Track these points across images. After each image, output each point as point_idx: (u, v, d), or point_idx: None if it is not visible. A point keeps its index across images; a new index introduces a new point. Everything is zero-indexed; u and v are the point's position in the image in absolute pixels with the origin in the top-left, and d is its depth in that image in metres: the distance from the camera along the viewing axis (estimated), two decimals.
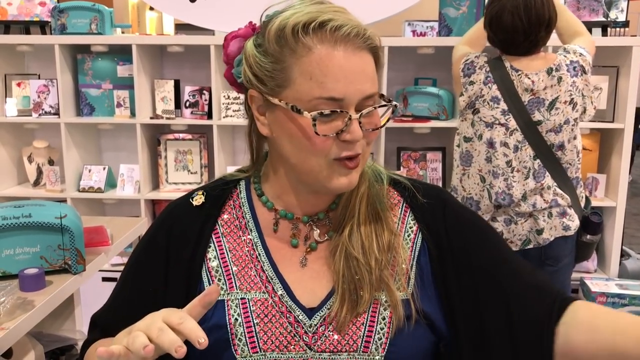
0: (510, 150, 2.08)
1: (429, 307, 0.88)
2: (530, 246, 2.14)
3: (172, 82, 3.03)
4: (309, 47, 0.80)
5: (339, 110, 0.80)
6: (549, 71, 2.05)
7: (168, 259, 0.93)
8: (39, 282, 1.42)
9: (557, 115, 2.05)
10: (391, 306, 0.85)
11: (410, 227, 0.92)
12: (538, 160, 2.08)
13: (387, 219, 0.91)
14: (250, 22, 0.89)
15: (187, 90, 3.03)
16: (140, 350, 0.68)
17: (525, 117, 2.06)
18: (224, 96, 2.94)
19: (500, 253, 0.93)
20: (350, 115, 0.80)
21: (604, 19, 2.82)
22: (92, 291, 3.01)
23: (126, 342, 0.70)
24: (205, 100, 3.01)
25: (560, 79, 2.04)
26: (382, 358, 0.84)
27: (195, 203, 0.95)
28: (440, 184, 3.05)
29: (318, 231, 0.92)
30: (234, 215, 0.94)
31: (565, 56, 2.09)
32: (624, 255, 2.93)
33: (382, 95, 0.86)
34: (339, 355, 0.84)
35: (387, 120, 0.86)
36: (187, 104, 3.03)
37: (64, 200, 2.99)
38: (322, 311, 0.86)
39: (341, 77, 0.79)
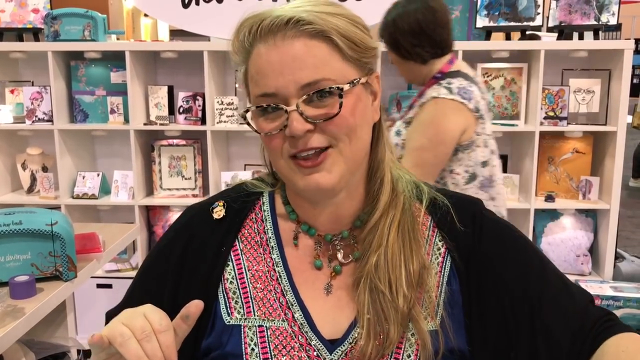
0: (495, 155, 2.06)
1: (458, 336, 0.81)
2: None
3: (165, 88, 3.03)
4: (249, 51, 0.79)
5: (272, 104, 0.76)
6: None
7: (182, 272, 0.87)
8: (30, 289, 1.42)
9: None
10: (418, 342, 0.79)
11: (438, 249, 0.85)
12: None
13: (419, 250, 0.83)
14: None
15: (180, 96, 3.03)
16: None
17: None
18: (218, 102, 2.94)
19: (542, 275, 0.85)
20: (285, 109, 0.75)
21: (595, 23, 2.83)
22: (87, 298, 3.01)
23: (117, 342, 0.67)
24: (199, 105, 3.01)
25: None
26: None
27: (215, 216, 0.89)
28: None
29: (342, 252, 0.86)
30: (255, 230, 0.89)
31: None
32: (618, 257, 2.93)
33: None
34: None
35: (340, 107, 0.76)
36: (181, 109, 3.03)
37: (58, 207, 2.98)
38: (344, 345, 0.80)
39: (269, 71, 0.75)
